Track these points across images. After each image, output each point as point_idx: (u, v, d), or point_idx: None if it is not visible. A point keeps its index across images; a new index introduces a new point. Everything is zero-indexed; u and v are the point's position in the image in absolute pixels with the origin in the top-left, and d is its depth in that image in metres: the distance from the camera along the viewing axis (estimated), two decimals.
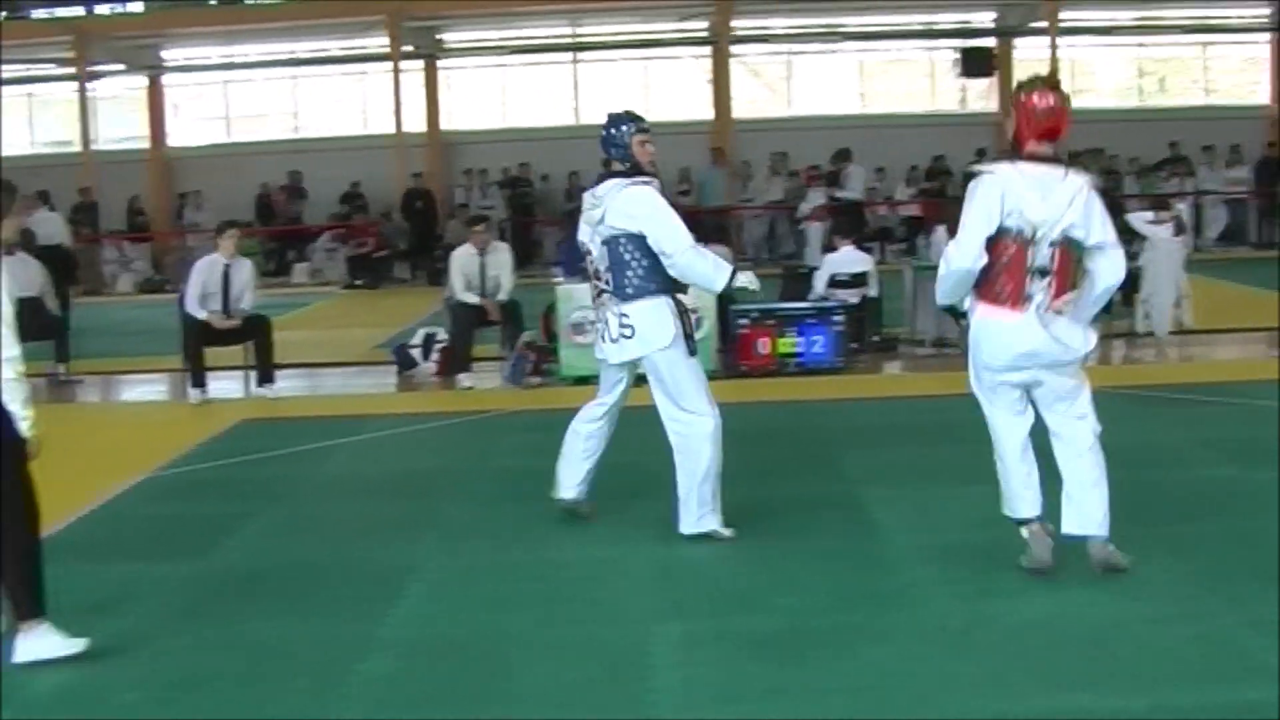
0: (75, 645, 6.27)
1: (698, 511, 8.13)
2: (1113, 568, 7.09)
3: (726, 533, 8.13)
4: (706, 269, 8.10)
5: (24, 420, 6.18)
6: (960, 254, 6.96)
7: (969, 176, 7.18)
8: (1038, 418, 7.25)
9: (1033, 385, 7.13)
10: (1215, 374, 14.01)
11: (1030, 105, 7.05)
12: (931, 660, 6.11)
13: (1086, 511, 7.10)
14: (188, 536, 8.68)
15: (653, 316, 8.12)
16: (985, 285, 7.01)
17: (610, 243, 8.17)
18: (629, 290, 8.14)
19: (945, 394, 12.99)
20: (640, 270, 8.11)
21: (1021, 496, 7.25)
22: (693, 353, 8.18)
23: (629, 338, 8.16)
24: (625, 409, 8.66)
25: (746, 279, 8.19)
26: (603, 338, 8.36)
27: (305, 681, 6.09)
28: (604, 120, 8.51)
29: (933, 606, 6.83)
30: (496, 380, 14.69)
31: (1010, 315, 6.96)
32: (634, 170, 8.32)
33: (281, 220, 31.02)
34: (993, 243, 6.92)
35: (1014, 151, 7.10)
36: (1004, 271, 6.94)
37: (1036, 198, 6.89)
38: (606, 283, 8.24)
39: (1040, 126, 7.05)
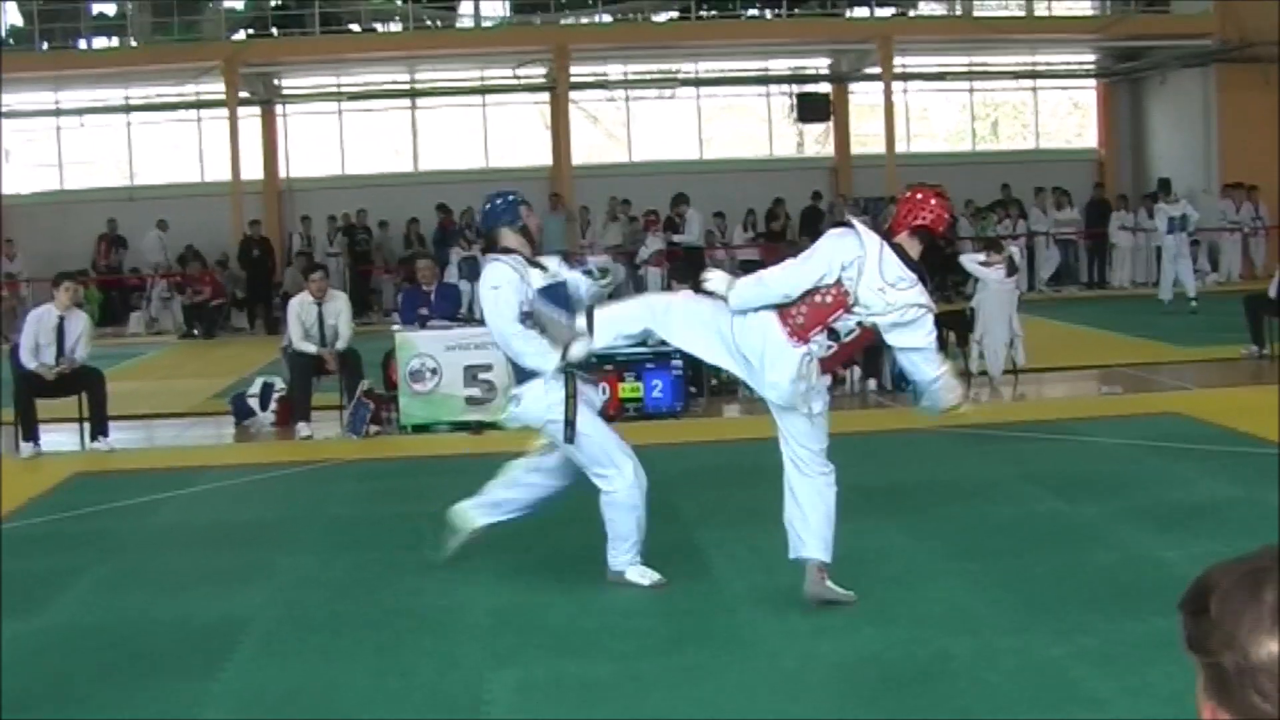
0: None
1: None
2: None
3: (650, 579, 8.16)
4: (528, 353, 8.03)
5: None
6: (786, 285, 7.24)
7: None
8: None
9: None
10: (1045, 412, 14.33)
11: (916, 200, 7.51)
12: (765, 700, 6.17)
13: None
14: (16, 594, 8.48)
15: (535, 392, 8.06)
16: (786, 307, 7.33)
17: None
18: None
19: None
20: None
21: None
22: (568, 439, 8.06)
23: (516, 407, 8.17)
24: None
25: (581, 349, 7.95)
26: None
27: None
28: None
29: (766, 646, 6.90)
30: (335, 429, 14.56)
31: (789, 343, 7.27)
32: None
33: (102, 270, 30.43)
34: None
35: (887, 236, 7.42)
36: (811, 309, 7.20)
37: (876, 286, 7.17)
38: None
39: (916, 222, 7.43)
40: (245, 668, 6.93)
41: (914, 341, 7.38)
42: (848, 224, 7.49)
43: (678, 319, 7.77)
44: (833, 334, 7.27)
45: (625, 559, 8.08)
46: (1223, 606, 1.83)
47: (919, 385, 7.58)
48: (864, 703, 6.09)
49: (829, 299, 7.19)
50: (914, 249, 7.37)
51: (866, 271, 7.16)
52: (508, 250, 8.25)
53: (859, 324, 7.23)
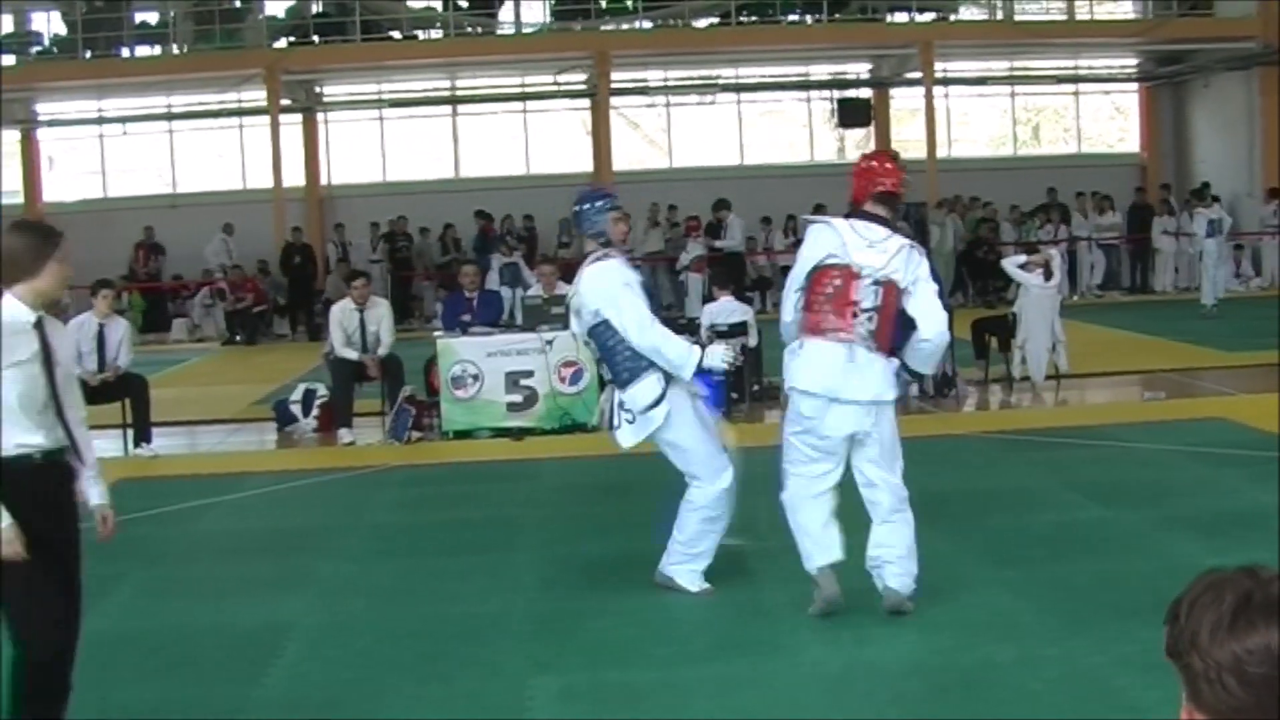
0: None
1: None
2: None
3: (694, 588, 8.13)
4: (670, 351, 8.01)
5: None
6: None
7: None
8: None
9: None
10: (1087, 417, 14.25)
11: (871, 168, 7.64)
12: (809, 707, 6.16)
13: None
14: None
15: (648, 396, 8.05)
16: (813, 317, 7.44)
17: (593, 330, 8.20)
18: (624, 375, 8.09)
19: None
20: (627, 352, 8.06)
21: None
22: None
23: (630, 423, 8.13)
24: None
25: (719, 356, 8.05)
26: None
27: None
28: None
29: (809, 654, 6.89)
30: (377, 435, 14.60)
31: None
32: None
33: (141, 278, 30.56)
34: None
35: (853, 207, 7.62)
36: (831, 299, 7.38)
37: (864, 245, 7.32)
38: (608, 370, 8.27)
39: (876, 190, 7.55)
40: (288, 674, 6.96)
41: (923, 304, 7.41)
42: (816, 219, 7.74)
43: None
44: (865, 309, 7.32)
45: (676, 564, 8.08)
46: (1189, 612, 2.02)
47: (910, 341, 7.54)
48: (907, 710, 6.07)
49: (838, 280, 7.29)
50: (882, 211, 7.52)
51: (849, 243, 7.32)
52: (609, 245, 8.30)
53: (875, 283, 7.26)
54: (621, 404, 8.08)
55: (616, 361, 8.05)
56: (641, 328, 7.90)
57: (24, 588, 5.44)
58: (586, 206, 8.38)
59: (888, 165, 7.66)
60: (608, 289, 8.03)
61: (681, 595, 8.00)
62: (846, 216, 7.57)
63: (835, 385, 7.30)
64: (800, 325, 7.49)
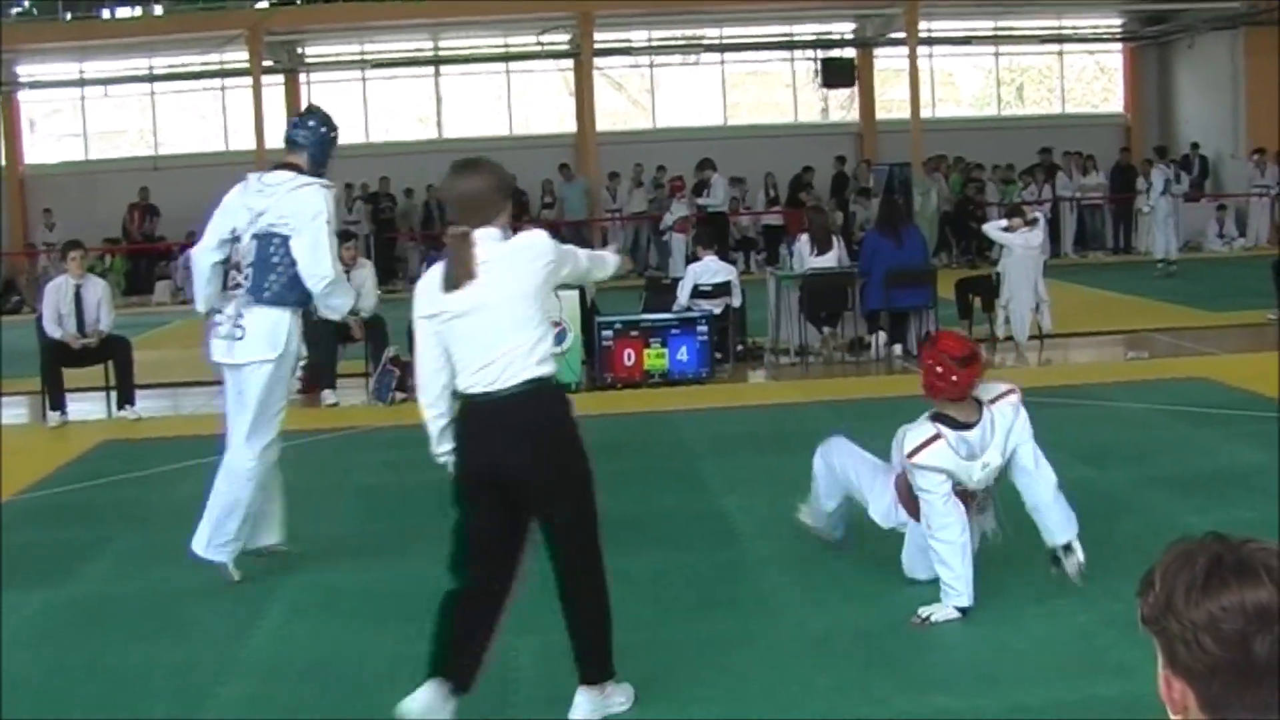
0: None
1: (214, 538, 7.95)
2: None
3: (234, 575, 7.94)
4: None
5: None
6: None
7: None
8: None
9: None
10: (1071, 377, 14.27)
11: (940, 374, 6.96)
12: (793, 666, 6.18)
13: None
14: (44, 562, 8.53)
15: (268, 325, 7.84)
16: None
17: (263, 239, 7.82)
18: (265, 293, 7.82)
19: (807, 401, 13.18)
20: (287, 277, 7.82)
21: None
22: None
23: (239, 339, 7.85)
24: None
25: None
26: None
27: (164, 707, 6.03)
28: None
29: (793, 614, 6.91)
30: (361, 397, 14.60)
31: None
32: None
33: (136, 239, 30.46)
34: None
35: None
36: None
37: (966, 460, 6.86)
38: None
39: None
40: (272, 636, 6.98)
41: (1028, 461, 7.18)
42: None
43: None
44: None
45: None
46: (1162, 577, 2.08)
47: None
48: (891, 669, 6.10)
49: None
50: (952, 412, 7.00)
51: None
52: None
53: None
54: (239, 317, 7.81)
55: (270, 277, 7.79)
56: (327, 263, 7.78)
57: None
58: (322, 130, 8.31)
59: (954, 379, 6.89)
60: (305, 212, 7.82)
61: (667, 554, 8.00)
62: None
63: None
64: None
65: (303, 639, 6.91)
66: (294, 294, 7.82)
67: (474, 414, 5.61)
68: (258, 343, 7.77)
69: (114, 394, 14.26)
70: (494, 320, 5.51)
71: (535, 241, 5.70)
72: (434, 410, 5.81)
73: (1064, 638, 6.39)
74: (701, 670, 6.17)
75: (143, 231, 30.31)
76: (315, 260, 7.73)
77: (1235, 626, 1.99)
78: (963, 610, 6.62)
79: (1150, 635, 2.11)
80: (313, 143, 8.15)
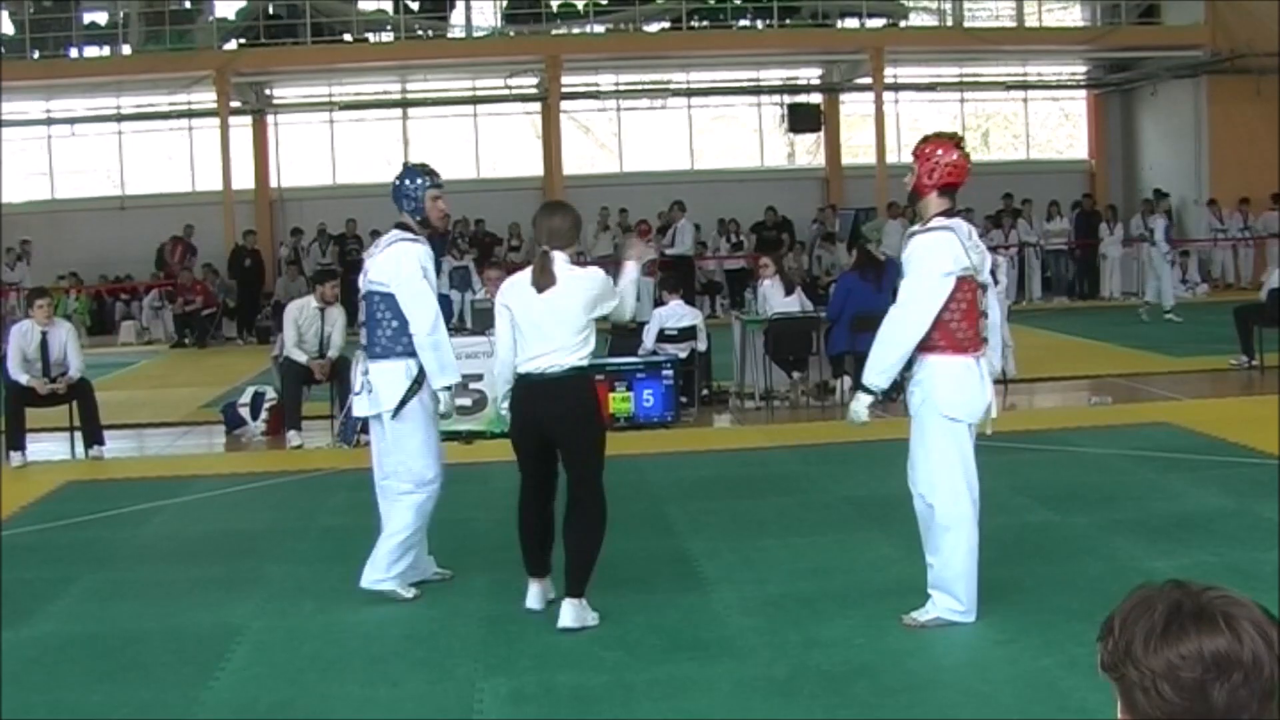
0: None
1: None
2: None
3: (406, 594, 8.22)
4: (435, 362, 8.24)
5: None
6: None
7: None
8: None
9: None
10: (1036, 422, 14.32)
11: (938, 159, 7.35)
12: (756, 710, 6.18)
13: None
14: (8, 603, 8.48)
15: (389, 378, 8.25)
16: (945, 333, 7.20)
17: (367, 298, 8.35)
18: (376, 349, 8.29)
19: (772, 446, 13.20)
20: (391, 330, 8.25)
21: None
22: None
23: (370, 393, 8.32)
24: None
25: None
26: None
27: None
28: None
29: (757, 657, 6.90)
30: (327, 439, 14.57)
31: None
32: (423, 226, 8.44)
33: (174, 273, 30.06)
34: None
35: (913, 199, 7.52)
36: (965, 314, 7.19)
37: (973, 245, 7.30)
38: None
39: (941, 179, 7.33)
40: (237, 677, 6.93)
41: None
42: (941, 226, 7.30)
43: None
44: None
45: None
46: (1122, 624, 2.10)
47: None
48: (855, 713, 6.09)
49: (969, 294, 7.19)
50: (944, 206, 7.38)
51: (968, 246, 7.26)
52: (425, 224, 8.51)
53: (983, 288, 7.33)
54: (366, 372, 8.29)
55: (376, 333, 8.24)
56: (430, 322, 8.14)
57: None
58: (405, 183, 8.43)
59: (954, 155, 7.36)
60: (399, 270, 8.17)
61: (633, 597, 8.01)
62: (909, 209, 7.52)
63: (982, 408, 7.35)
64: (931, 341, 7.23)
65: (266, 680, 6.87)
66: (398, 345, 8.23)
67: (531, 387, 7.53)
68: (377, 396, 8.26)
69: (79, 434, 14.19)
70: (557, 320, 7.42)
71: (595, 274, 7.66)
72: (504, 378, 7.75)
73: (1027, 681, 6.39)
74: (665, 713, 6.15)
75: (183, 265, 29.69)
76: (409, 315, 8.18)
77: (1193, 675, 2.00)
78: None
79: (1110, 681, 2.12)
80: (396, 198, 8.51)
